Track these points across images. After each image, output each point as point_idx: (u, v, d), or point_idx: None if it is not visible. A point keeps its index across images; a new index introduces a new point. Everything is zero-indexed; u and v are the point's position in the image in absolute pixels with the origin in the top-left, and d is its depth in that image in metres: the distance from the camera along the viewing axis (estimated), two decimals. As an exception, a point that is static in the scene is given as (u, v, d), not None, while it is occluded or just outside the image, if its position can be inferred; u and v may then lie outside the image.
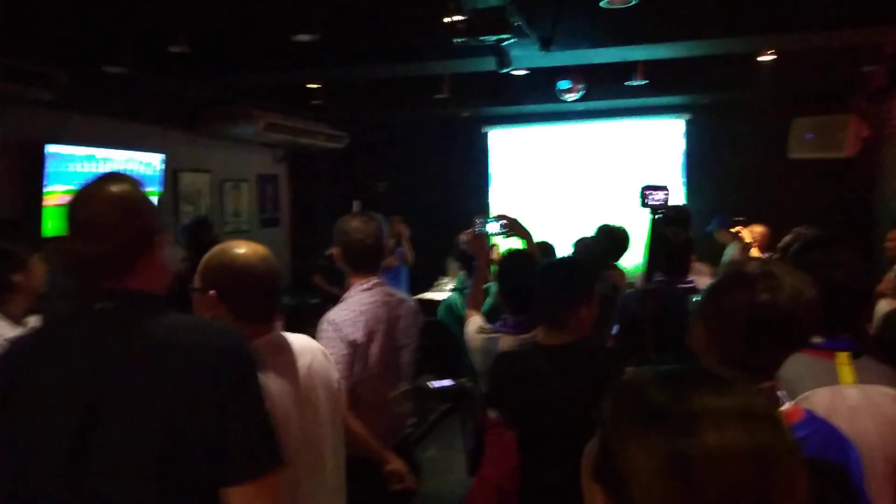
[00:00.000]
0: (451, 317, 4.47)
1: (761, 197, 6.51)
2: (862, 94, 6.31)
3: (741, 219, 5.29)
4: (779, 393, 1.35)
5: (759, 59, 5.19)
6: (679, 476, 0.68)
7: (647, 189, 2.30)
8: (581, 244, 3.88)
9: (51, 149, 4.70)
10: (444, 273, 6.88)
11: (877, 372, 1.62)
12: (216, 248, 1.74)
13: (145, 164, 5.63)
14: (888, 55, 5.40)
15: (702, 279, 3.38)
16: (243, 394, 1.22)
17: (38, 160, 4.65)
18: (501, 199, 7.93)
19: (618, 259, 3.98)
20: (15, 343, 1.31)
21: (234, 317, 1.65)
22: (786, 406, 1.33)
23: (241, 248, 1.71)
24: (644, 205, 2.30)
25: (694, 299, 1.52)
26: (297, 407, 1.70)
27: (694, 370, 0.79)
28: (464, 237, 3.75)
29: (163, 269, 1.33)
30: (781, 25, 4.16)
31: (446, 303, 4.58)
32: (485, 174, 8.00)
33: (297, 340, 1.84)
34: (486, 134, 7.95)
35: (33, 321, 2.40)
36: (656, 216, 2.32)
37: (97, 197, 1.26)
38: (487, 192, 7.97)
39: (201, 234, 4.76)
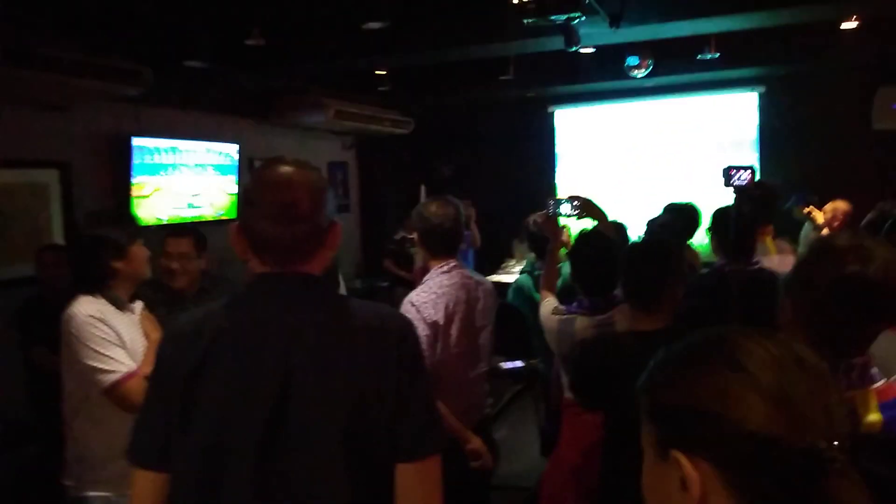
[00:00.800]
0: (521, 298, 4.48)
1: (842, 171, 6.23)
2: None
3: (814, 197, 5.11)
4: (872, 371, 1.32)
5: (842, 25, 4.94)
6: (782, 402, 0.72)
7: (732, 169, 2.24)
8: (654, 224, 3.82)
9: (136, 141, 4.94)
10: (510, 255, 6.90)
11: None
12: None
13: (222, 154, 5.85)
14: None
15: (782, 258, 3.30)
16: (418, 374, 1.29)
17: (126, 153, 4.89)
18: (569, 179, 7.86)
19: (690, 238, 3.92)
20: (193, 321, 1.32)
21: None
22: (879, 383, 1.28)
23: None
24: (728, 184, 2.25)
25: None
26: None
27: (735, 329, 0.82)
28: (536, 219, 3.75)
29: (330, 255, 1.39)
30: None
31: (516, 285, 4.59)
32: (551, 155, 7.93)
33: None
34: (552, 113, 7.87)
35: (137, 307, 2.54)
36: (739, 196, 2.27)
37: (293, 182, 1.29)
38: (554, 172, 7.90)
39: None
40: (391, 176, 8.18)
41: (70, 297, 2.39)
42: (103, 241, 2.46)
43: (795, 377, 0.74)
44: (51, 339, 2.48)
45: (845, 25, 4.92)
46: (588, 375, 2.10)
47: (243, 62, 4.79)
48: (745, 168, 2.30)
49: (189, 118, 5.58)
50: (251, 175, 1.38)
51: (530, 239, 4.18)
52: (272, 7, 4.08)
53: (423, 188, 6.44)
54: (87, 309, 2.33)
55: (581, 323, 2.58)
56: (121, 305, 2.43)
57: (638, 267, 2.13)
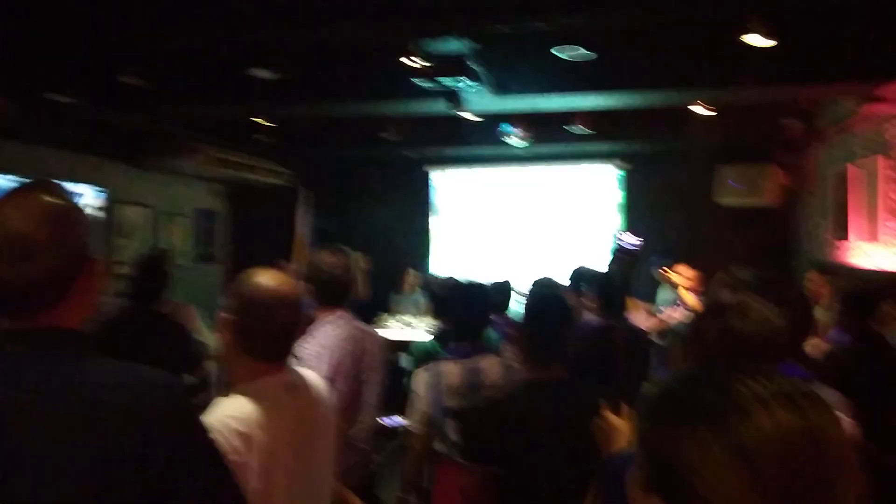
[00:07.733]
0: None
1: (693, 240, 6.85)
2: (781, 146, 6.79)
3: (667, 261, 5.66)
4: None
5: (691, 109, 5.48)
6: (742, 464, 0.68)
7: (623, 233, 2.41)
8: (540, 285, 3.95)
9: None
10: (385, 310, 6.85)
11: (826, 397, 1.74)
12: (247, 275, 1.62)
13: (84, 196, 5.46)
14: (803, 110, 5.88)
15: (637, 315, 3.55)
16: (187, 455, 1.07)
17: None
18: (444, 236, 8.05)
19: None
20: None
21: (245, 352, 1.59)
22: None
23: (267, 281, 1.61)
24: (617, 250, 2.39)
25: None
26: (295, 452, 1.59)
27: (728, 366, 0.79)
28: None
29: (92, 302, 1.14)
30: (712, 80, 4.47)
31: (425, 350, 4.28)
32: (427, 213, 8.12)
33: (313, 378, 1.76)
34: (427, 174, 8.08)
35: None
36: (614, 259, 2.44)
37: (22, 209, 1.05)
38: (429, 230, 8.08)
39: (152, 274, 3.84)
40: (267, 228, 7.94)
41: None
42: None
43: (795, 458, 0.68)
44: None
45: (694, 109, 5.47)
46: (483, 431, 2.08)
47: (115, 101, 4.54)
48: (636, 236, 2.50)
49: (51, 156, 5.17)
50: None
51: (433, 300, 4.08)
52: (152, 45, 3.93)
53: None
54: None
55: (447, 367, 2.56)
56: None
57: (544, 321, 2.17)
